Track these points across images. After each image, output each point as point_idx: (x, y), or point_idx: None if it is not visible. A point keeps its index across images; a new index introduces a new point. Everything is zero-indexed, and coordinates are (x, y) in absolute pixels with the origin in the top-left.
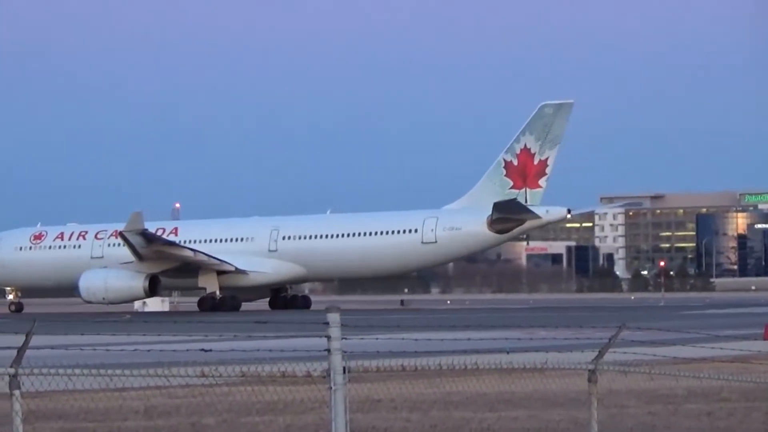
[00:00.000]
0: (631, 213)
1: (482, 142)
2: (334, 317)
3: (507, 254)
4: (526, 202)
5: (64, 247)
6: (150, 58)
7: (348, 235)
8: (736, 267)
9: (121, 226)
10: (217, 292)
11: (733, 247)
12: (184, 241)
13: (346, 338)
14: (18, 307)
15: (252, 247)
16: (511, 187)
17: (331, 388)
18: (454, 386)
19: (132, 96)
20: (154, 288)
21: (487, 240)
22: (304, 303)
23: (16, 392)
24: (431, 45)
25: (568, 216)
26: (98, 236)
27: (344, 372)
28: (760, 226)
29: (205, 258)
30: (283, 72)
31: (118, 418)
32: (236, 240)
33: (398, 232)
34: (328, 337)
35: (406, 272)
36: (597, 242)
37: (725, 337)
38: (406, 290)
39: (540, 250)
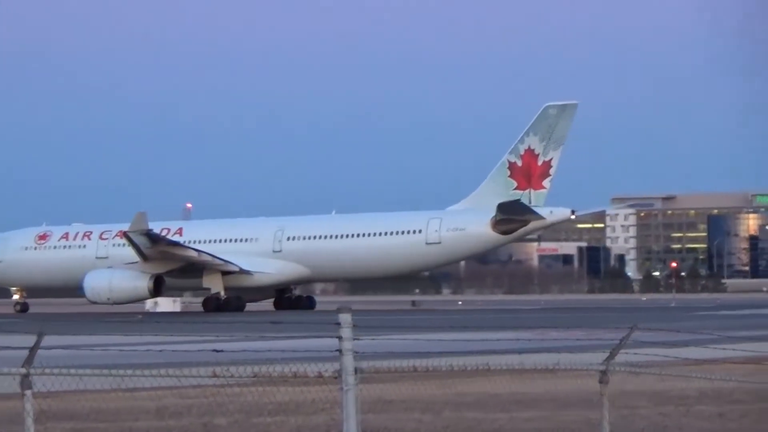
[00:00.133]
0: (642, 214)
1: (486, 143)
2: (345, 318)
3: (518, 255)
4: (530, 203)
5: (69, 247)
6: (152, 58)
7: (352, 235)
8: (747, 268)
9: (125, 227)
10: (222, 293)
11: (744, 248)
12: (189, 242)
13: (357, 339)
14: (23, 307)
15: (256, 247)
16: (516, 188)
17: (342, 388)
18: (465, 387)
19: (135, 96)
20: (158, 288)
21: (491, 241)
22: (308, 303)
23: (28, 392)
24: (435, 45)
25: (572, 217)
26: (103, 236)
27: (356, 372)
28: None
29: (210, 258)
30: (287, 72)
31: (129, 418)
32: (241, 240)
33: (403, 232)
34: (340, 338)
35: (410, 273)
36: (608, 243)
37: (737, 338)
38: (417, 291)
39: (551, 251)
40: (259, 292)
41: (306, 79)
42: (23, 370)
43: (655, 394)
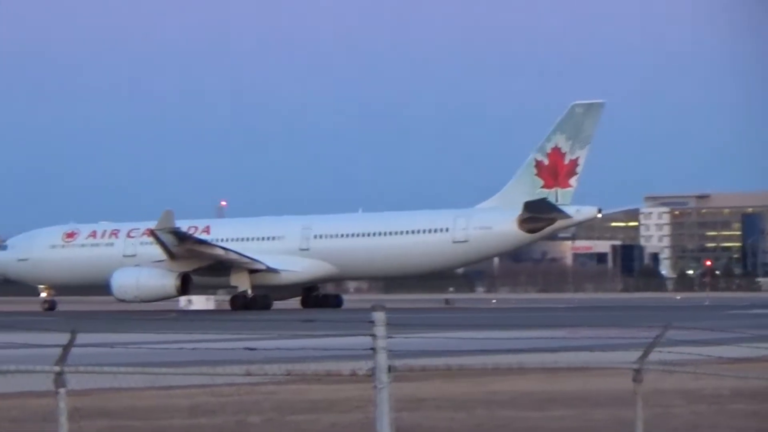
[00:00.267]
0: (676, 213)
1: (514, 142)
2: (379, 316)
3: (552, 253)
4: (556, 201)
5: (97, 245)
6: (180, 56)
7: (379, 234)
8: None
9: (153, 225)
10: (249, 291)
11: None
12: (216, 240)
13: (391, 337)
14: (51, 305)
15: (284, 245)
16: (542, 187)
17: (376, 386)
18: (499, 385)
19: (164, 94)
20: (185, 286)
21: (518, 239)
22: (335, 302)
23: (62, 390)
24: (462, 43)
25: (599, 215)
26: (131, 234)
27: (389, 371)
28: None
29: (237, 256)
30: (312, 69)
31: (163, 416)
32: (268, 239)
33: (429, 231)
34: (374, 336)
35: (437, 271)
36: (642, 241)
37: None
38: (451, 289)
39: (585, 249)
40: (286, 290)
41: (332, 77)
42: (57, 368)
43: (689, 392)
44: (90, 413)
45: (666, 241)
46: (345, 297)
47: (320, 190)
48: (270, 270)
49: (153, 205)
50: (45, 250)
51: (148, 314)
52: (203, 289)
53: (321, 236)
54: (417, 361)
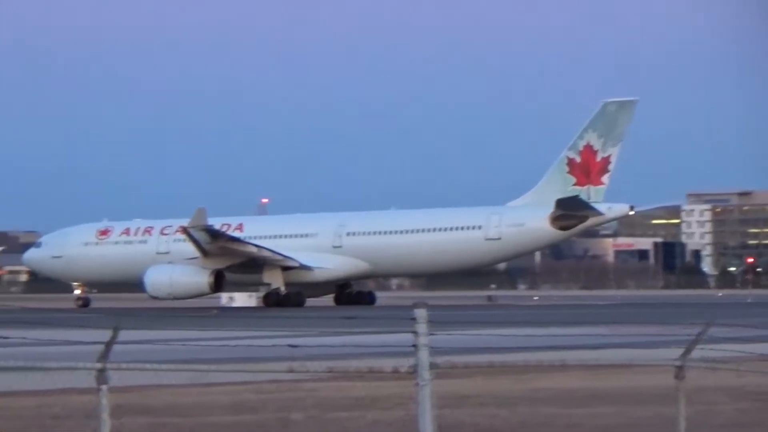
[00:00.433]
0: (718, 210)
1: (547, 139)
2: (421, 313)
3: (594, 250)
4: (589, 198)
5: (130, 242)
6: (220, 55)
7: (412, 231)
8: None
9: (186, 222)
10: (282, 288)
11: None
12: (250, 237)
13: (433, 334)
14: (85, 302)
15: (317, 242)
16: (575, 184)
17: (418, 383)
18: (541, 382)
19: (200, 92)
20: (219, 284)
21: (550, 236)
22: (369, 299)
23: (104, 387)
24: (494, 41)
25: (631, 213)
26: (164, 232)
27: (431, 368)
28: None
29: (270, 254)
30: (343, 68)
31: (205, 413)
32: (301, 236)
33: (462, 228)
34: (416, 333)
35: (469, 268)
36: (684, 238)
37: None
38: (493, 286)
39: (627, 247)
40: (320, 287)
41: (364, 75)
42: (99, 365)
43: (732, 389)
44: (132, 410)
45: (708, 238)
46: (387, 294)
47: (353, 187)
48: (303, 267)
49: (195, 203)
50: (79, 247)
51: (189, 311)
52: (236, 287)
53: (354, 233)
54: (459, 358)
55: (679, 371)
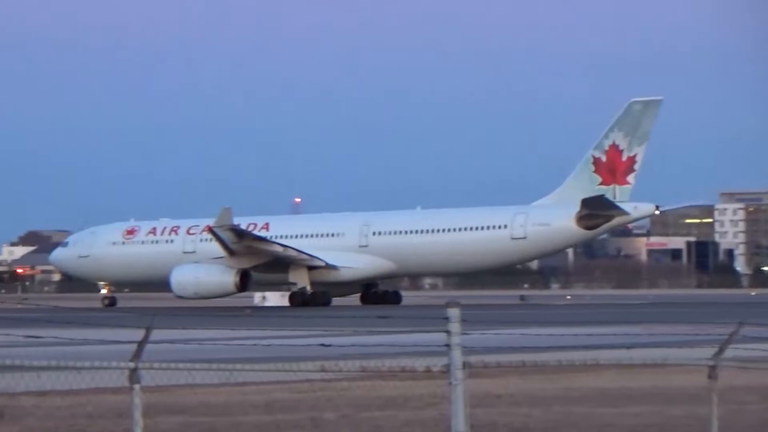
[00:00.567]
0: (751, 209)
1: (572, 138)
2: (454, 312)
3: (627, 250)
4: (614, 198)
5: (157, 242)
6: (249, 56)
7: (438, 230)
8: None
9: (213, 222)
10: (308, 288)
11: None
12: (275, 237)
13: (466, 333)
14: (111, 302)
15: (342, 242)
16: (600, 184)
17: (451, 383)
18: (573, 382)
19: (226, 91)
20: (245, 283)
21: (576, 236)
22: (395, 298)
23: (137, 386)
24: (520, 40)
25: (656, 212)
26: (190, 231)
27: (464, 367)
28: None
29: (295, 253)
30: (369, 68)
31: (238, 412)
32: (327, 235)
33: (488, 227)
34: (448, 333)
35: (495, 268)
36: (717, 238)
37: None
38: (526, 286)
39: (660, 246)
40: (345, 287)
41: (391, 75)
42: (132, 365)
43: (765, 389)
44: (164, 409)
45: (741, 237)
46: (420, 294)
47: (377, 188)
48: (329, 267)
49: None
50: (105, 247)
51: (222, 310)
52: (262, 286)
53: (380, 233)
54: (492, 358)
55: (712, 371)
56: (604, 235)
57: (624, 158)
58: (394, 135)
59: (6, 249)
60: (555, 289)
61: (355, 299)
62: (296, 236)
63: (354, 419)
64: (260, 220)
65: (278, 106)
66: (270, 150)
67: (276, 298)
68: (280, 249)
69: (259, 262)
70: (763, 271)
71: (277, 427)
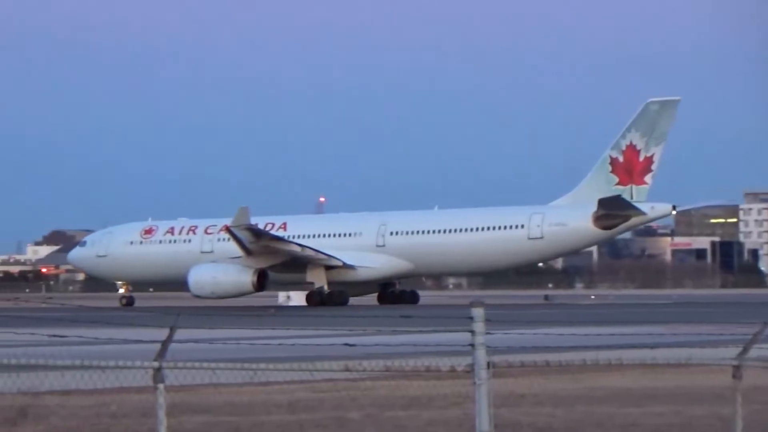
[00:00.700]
0: None
1: (590, 139)
2: (478, 312)
3: (651, 249)
4: (632, 198)
5: (175, 241)
6: (267, 53)
7: (455, 230)
8: None
9: (230, 221)
10: (325, 287)
11: None
12: (293, 237)
13: (490, 333)
14: (129, 301)
15: (360, 242)
16: (617, 184)
17: (475, 382)
18: (598, 381)
19: (241, 91)
20: (262, 283)
21: (593, 236)
22: (412, 298)
23: (161, 386)
24: (537, 40)
25: (673, 213)
26: (208, 231)
27: (488, 367)
28: None
29: (313, 253)
30: (386, 68)
31: (261, 412)
32: (344, 235)
33: (505, 227)
34: (473, 332)
35: (511, 268)
36: (742, 238)
37: None
38: (550, 285)
39: (684, 246)
40: (363, 286)
41: (409, 75)
42: (156, 364)
43: None
44: (188, 409)
45: (766, 237)
46: (444, 293)
47: (394, 188)
48: (346, 266)
49: (249, 202)
50: (123, 246)
51: (246, 310)
52: (280, 286)
53: (397, 233)
54: (516, 357)
55: (737, 371)
56: (628, 235)
57: (641, 158)
58: (412, 135)
59: (30, 248)
60: (579, 288)
61: (371, 299)
62: (314, 236)
63: (378, 419)
64: (278, 220)
65: (296, 106)
66: (289, 150)
67: (300, 298)
68: (297, 249)
69: (277, 262)
70: None
71: (301, 427)
